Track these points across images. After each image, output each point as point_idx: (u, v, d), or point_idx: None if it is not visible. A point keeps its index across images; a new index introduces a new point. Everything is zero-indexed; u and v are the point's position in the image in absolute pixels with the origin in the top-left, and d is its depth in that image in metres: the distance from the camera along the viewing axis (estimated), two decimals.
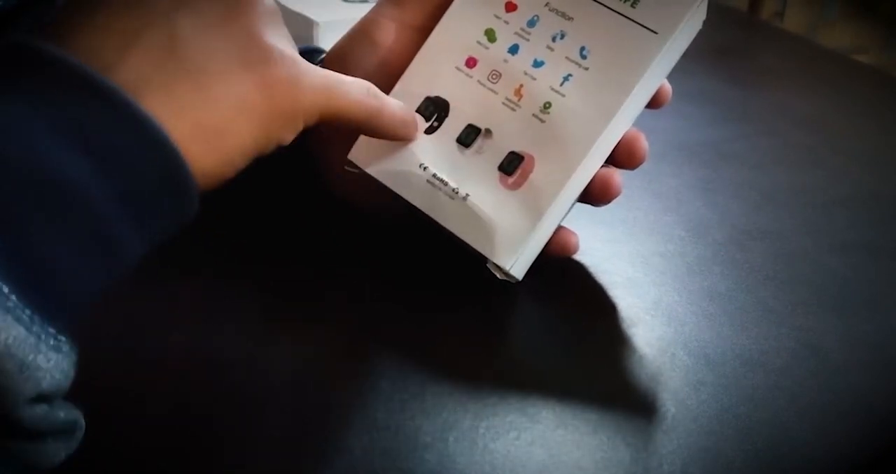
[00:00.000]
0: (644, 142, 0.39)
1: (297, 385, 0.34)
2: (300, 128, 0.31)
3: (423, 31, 0.40)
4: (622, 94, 0.37)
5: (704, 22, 0.38)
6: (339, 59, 0.41)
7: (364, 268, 0.42)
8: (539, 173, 0.38)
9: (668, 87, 0.40)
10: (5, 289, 0.23)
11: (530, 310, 0.40)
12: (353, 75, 0.36)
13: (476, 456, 0.31)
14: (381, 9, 0.41)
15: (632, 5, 0.38)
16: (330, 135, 0.40)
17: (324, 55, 0.44)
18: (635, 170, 0.40)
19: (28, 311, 0.23)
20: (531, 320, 0.39)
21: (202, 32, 0.28)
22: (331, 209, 0.44)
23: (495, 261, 0.38)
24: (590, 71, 0.38)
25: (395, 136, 0.38)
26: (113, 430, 0.32)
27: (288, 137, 0.31)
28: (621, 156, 0.39)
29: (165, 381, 0.34)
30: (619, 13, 0.38)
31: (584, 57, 0.38)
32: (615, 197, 0.39)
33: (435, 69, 0.40)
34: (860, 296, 0.41)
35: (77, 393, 0.25)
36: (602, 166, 0.39)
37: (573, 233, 0.41)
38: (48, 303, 0.24)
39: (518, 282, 0.39)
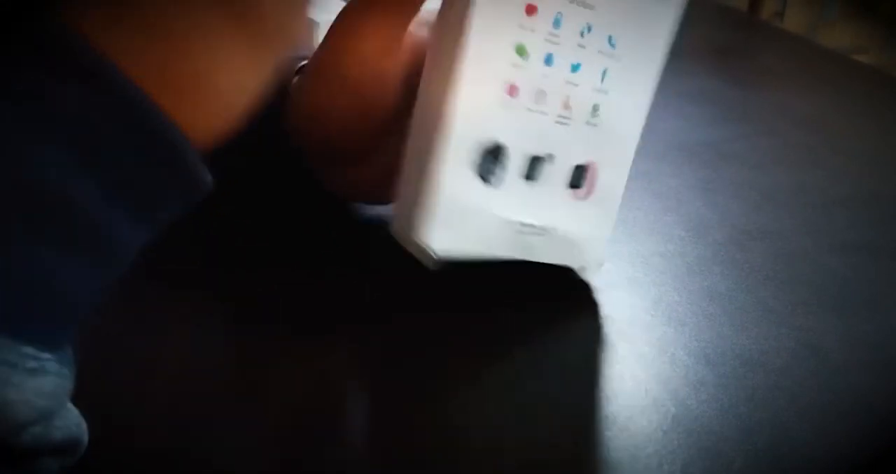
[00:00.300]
0: None
1: (298, 385, 0.35)
2: (291, 42, 0.27)
3: (389, 56, 0.37)
4: (653, 72, 0.38)
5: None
6: (310, 97, 0.39)
7: (363, 268, 0.42)
8: (604, 176, 0.38)
9: None
10: None
11: (530, 310, 0.40)
12: (327, 114, 0.38)
13: (476, 459, 0.31)
14: (337, 40, 0.37)
15: None
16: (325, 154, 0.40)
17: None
18: (635, 171, 0.40)
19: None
20: (531, 320, 0.39)
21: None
22: (329, 208, 0.44)
23: (588, 267, 0.40)
24: (622, 61, 0.37)
25: None
26: (108, 432, 0.32)
27: (283, 50, 0.27)
28: None
29: (163, 381, 0.34)
30: None
31: (612, 46, 0.37)
32: None
33: (478, 113, 0.34)
34: (860, 296, 0.41)
35: (75, 399, 0.25)
36: None
37: None
38: (28, 319, 0.22)
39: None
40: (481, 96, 0.34)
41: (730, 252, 0.44)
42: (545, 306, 0.40)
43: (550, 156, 0.37)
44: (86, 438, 0.25)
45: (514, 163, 0.36)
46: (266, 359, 0.36)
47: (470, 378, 0.36)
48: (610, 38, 0.36)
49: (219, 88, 0.25)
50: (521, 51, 0.34)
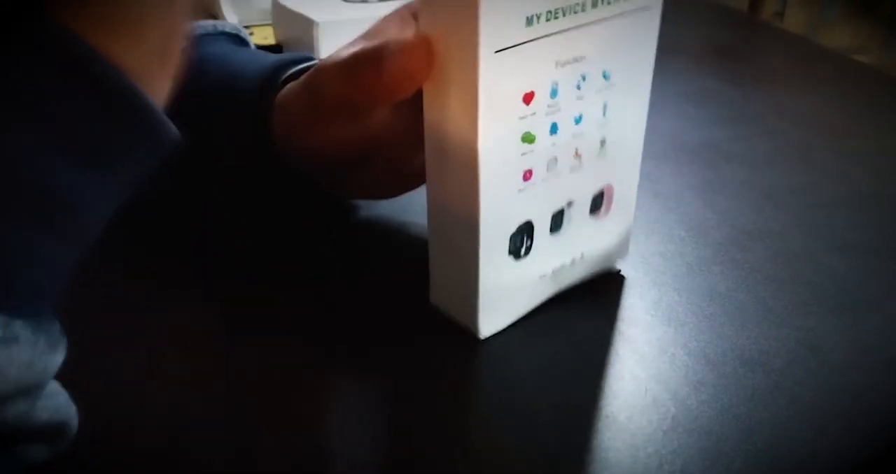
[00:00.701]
0: None
1: (298, 385, 0.35)
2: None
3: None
4: (647, 79, 0.38)
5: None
6: (321, 137, 0.39)
7: (363, 268, 0.42)
8: (619, 191, 0.39)
9: None
10: None
11: (530, 311, 0.40)
12: (337, 152, 0.38)
13: (476, 458, 0.31)
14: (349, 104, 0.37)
15: (608, 2, 0.34)
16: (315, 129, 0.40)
17: (314, 61, 0.43)
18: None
19: None
20: (530, 320, 0.39)
21: None
22: (327, 208, 0.44)
23: (616, 269, 0.42)
24: (618, 86, 0.36)
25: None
26: (108, 434, 0.32)
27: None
28: None
29: (161, 383, 0.34)
30: (614, 17, 0.34)
31: (607, 79, 0.36)
32: None
33: (502, 205, 0.35)
34: (860, 296, 0.41)
35: (75, 399, 0.25)
36: None
37: None
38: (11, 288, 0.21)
39: None
40: (502, 193, 0.34)
41: (730, 252, 0.44)
42: (545, 306, 0.40)
43: (570, 203, 0.38)
44: (75, 423, 0.24)
45: (540, 228, 0.37)
46: (266, 359, 0.36)
47: (469, 378, 0.36)
48: (604, 74, 0.36)
49: (151, 33, 0.24)
50: (527, 138, 0.34)
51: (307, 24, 0.63)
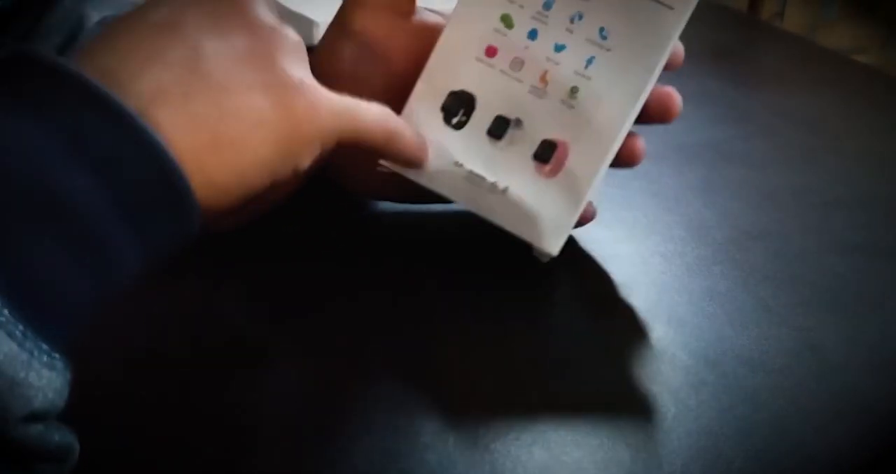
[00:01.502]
0: (676, 95, 0.39)
1: (298, 385, 0.35)
2: (317, 151, 0.31)
3: (401, 15, 0.39)
4: (647, 73, 0.37)
5: (706, 22, 0.38)
6: (324, 55, 0.40)
7: (367, 267, 0.42)
8: (574, 159, 0.38)
9: (680, 48, 0.39)
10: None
11: (530, 311, 0.40)
12: (337, 68, 0.38)
13: (476, 456, 0.31)
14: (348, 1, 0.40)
15: None
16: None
17: None
18: (635, 171, 0.40)
19: (21, 327, 0.23)
20: (530, 321, 0.39)
21: (226, 55, 0.29)
22: (338, 201, 0.44)
23: (542, 247, 0.39)
24: (612, 52, 0.38)
25: (410, 161, 0.38)
26: (114, 426, 0.32)
27: (305, 161, 0.31)
28: (656, 112, 0.39)
29: (166, 380, 0.34)
30: None
31: (604, 38, 0.38)
32: (641, 160, 0.40)
33: (455, 62, 0.39)
34: (860, 296, 0.41)
35: (78, 393, 0.25)
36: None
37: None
38: (42, 318, 0.24)
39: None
40: (460, 50, 0.39)
41: (730, 252, 0.44)
42: (545, 307, 0.40)
43: (518, 122, 0.39)
44: (77, 447, 0.25)
45: (480, 115, 0.39)
46: (267, 359, 0.36)
47: (469, 377, 0.36)
48: (602, 29, 0.38)
49: (241, 158, 0.28)
50: (507, 20, 0.39)
51: (307, 24, 0.63)
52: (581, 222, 0.41)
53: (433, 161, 0.39)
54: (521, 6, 0.38)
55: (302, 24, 0.64)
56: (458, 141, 0.39)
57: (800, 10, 1.66)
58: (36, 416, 0.23)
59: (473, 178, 0.39)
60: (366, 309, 0.39)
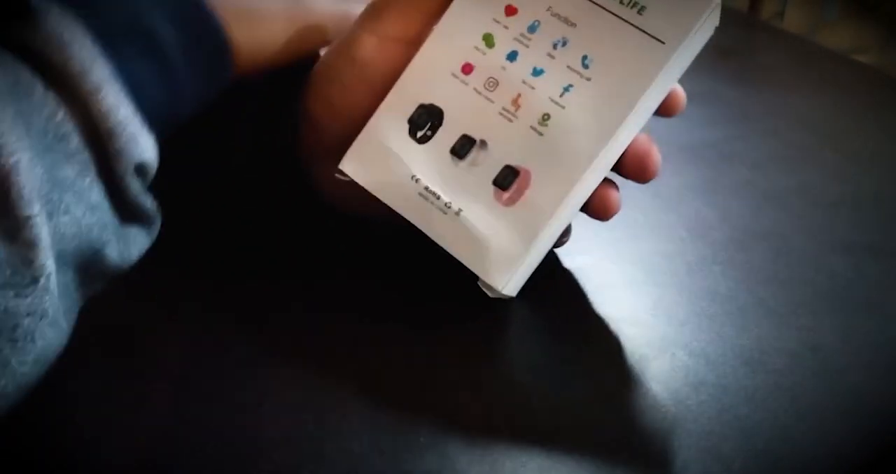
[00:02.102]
0: (656, 154, 0.37)
1: (298, 385, 0.35)
2: (325, 31, 0.40)
3: (408, 44, 0.39)
4: (625, 108, 0.35)
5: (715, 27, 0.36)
6: (323, 74, 0.40)
7: (362, 273, 0.42)
8: (535, 190, 0.36)
9: (681, 93, 0.38)
10: (118, 84, 0.30)
11: (530, 311, 0.40)
12: (337, 95, 0.40)
13: (476, 456, 0.31)
14: (360, 24, 0.39)
15: (638, 12, 0.35)
16: (322, 143, 0.40)
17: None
18: None
19: (131, 105, 0.31)
20: (531, 320, 0.39)
21: None
22: (324, 216, 0.44)
23: (488, 281, 0.37)
24: (592, 82, 0.36)
25: None
26: (111, 429, 0.32)
27: (318, 41, 0.40)
28: (632, 170, 0.38)
29: (164, 383, 0.34)
30: (624, 20, 0.35)
31: (585, 66, 0.36)
32: (614, 214, 0.38)
33: (430, 75, 0.38)
34: (860, 296, 0.41)
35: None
36: (607, 178, 0.38)
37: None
38: (140, 107, 0.31)
39: (512, 298, 0.38)
40: (437, 64, 0.38)
41: (730, 252, 0.44)
42: (545, 307, 0.40)
43: (484, 143, 0.37)
44: (160, 219, 0.33)
45: (446, 132, 0.38)
46: (267, 359, 0.36)
47: (469, 377, 0.36)
48: (585, 58, 0.36)
49: (259, 27, 0.37)
50: (488, 40, 0.37)
51: None
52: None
53: (391, 173, 0.38)
54: (506, 27, 0.37)
55: None
56: (419, 155, 0.38)
57: (800, 10, 1.66)
58: (142, 169, 0.31)
59: (428, 196, 0.37)
60: (366, 309, 0.39)
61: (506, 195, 0.36)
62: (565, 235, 0.41)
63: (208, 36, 0.35)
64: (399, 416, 0.33)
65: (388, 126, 0.38)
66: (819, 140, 0.58)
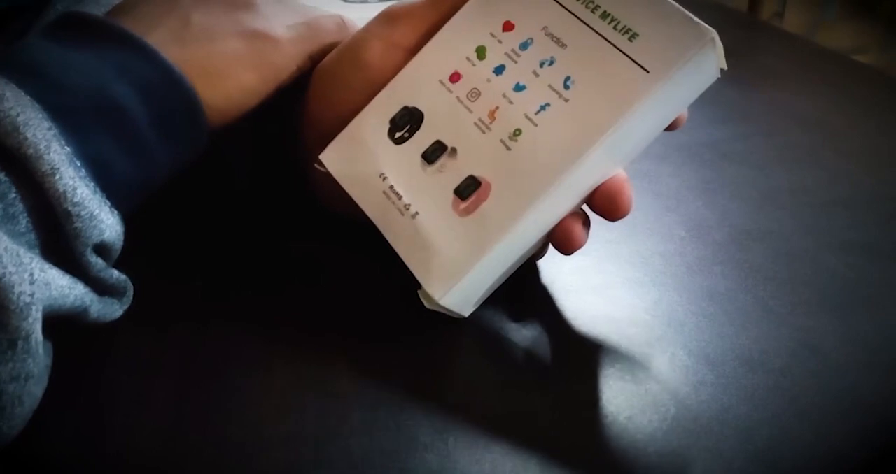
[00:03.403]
0: (628, 193, 0.36)
1: (298, 385, 0.35)
2: (294, 71, 0.40)
3: (411, 52, 0.39)
4: (597, 132, 0.34)
5: (704, 22, 0.35)
6: (327, 75, 0.41)
7: (362, 274, 0.42)
8: (492, 204, 0.35)
9: (683, 114, 0.37)
10: (78, 164, 0.31)
11: (530, 311, 0.40)
12: (338, 94, 0.41)
13: (476, 456, 0.31)
14: (371, 28, 0.40)
15: (630, 39, 0.34)
16: (320, 142, 0.40)
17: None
18: (636, 171, 0.40)
19: (93, 184, 0.32)
20: (531, 320, 0.39)
21: (209, 18, 0.38)
22: (323, 217, 0.44)
23: (426, 288, 0.36)
24: (569, 103, 0.35)
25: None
26: (111, 430, 0.32)
27: (285, 79, 0.40)
28: (601, 205, 0.36)
29: (165, 383, 0.34)
30: (614, 45, 0.35)
31: (566, 87, 0.35)
32: (576, 248, 0.37)
33: (419, 81, 0.39)
34: (860, 296, 0.41)
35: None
36: (576, 212, 0.37)
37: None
38: (106, 185, 0.32)
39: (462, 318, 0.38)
40: (428, 70, 0.39)
41: (730, 252, 0.44)
42: (545, 306, 0.40)
43: (454, 151, 0.37)
44: (132, 287, 0.35)
45: (422, 136, 0.38)
46: (266, 360, 0.36)
47: (470, 377, 0.36)
48: (567, 79, 0.35)
49: (228, 84, 0.37)
50: (480, 52, 0.38)
51: None
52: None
53: (362, 168, 0.38)
54: (500, 41, 0.38)
55: None
56: (392, 155, 0.38)
57: (800, 10, 1.66)
58: (103, 248, 0.32)
59: (391, 194, 0.37)
60: (366, 309, 0.39)
61: (462, 205, 0.36)
62: (542, 251, 0.41)
63: (179, 102, 0.35)
64: (399, 416, 0.33)
65: (371, 123, 0.39)
66: (819, 140, 0.58)
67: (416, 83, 0.39)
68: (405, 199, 0.37)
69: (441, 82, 0.38)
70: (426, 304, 0.36)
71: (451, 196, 0.36)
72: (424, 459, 0.31)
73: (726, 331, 0.38)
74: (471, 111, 0.37)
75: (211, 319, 0.38)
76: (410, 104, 0.38)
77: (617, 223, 0.39)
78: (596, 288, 0.41)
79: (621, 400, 0.34)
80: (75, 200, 0.30)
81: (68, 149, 0.31)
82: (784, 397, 0.34)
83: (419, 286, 0.36)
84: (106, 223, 0.32)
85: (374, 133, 0.39)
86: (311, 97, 0.41)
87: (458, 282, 0.35)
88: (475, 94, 0.37)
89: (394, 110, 0.39)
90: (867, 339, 0.38)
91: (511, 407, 0.34)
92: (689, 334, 0.38)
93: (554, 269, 0.42)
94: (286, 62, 0.40)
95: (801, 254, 0.44)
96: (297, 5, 0.42)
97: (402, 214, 0.37)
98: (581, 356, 0.37)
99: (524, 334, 0.38)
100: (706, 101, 0.38)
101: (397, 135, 0.38)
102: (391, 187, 0.38)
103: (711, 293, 0.41)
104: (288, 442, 0.31)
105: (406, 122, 0.38)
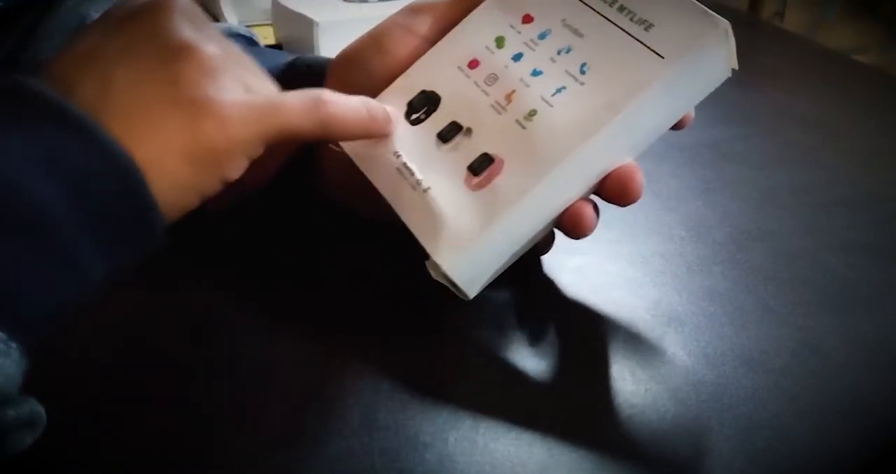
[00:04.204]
0: (639, 179, 0.36)
1: (298, 385, 0.35)
2: (243, 160, 0.31)
3: (432, 43, 0.41)
4: (610, 113, 0.35)
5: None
6: (347, 62, 0.42)
7: (362, 275, 0.42)
8: (504, 178, 0.36)
9: (690, 113, 0.38)
10: None
11: (530, 311, 0.40)
12: (358, 80, 0.40)
13: (476, 456, 0.31)
14: (396, 18, 0.42)
15: (645, 29, 0.36)
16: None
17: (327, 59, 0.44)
18: None
19: None
20: (531, 320, 0.39)
21: (135, 78, 0.30)
22: (327, 214, 0.44)
23: (434, 257, 0.36)
24: (584, 86, 0.36)
25: (364, 134, 0.37)
26: (112, 430, 0.32)
27: (232, 173, 0.31)
28: (611, 190, 0.36)
29: (165, 382, 0.34)
30: (630, 35, 0.36)
31: (583, 72, 0.37)
32: (586, 232, 0.36)
33: (438, 66, 0.40)
34: (860, 296, 0.41)
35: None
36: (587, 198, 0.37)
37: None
38: (8, 318, 0.25)
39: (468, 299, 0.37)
40: (447, 57, 0.40)
41: (730, 252, 0.44)
42: (545, 306, 0.40)
43: (469, 131, 0.38)
44: (39, 410, 0.26)
45: (438, 117, 0.39)
46: (267, 360, 0.36)
47: (470, 377, 0.36)
48: (583, 65, 0.37)
49: (155, 177, 0.29)
50: (499, 42, 0.40)
51: (307, 24, 0.63)
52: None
53: (376, 146, 0.39)
54: (519, 32, 0.39)
55: (302, 24, 0.64)
56: (408, 135, 0.39)
57: (800, 10, 1.66)
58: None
59: (404, 171, 0.38)
60: (366, 309, 0.39)
61: (475, 180, 0.37)
62: (548, 244, 0.41)
63: (124, 197, 0.28)
64: (399, 416, 0.33)
65: (388, 105, 0.40)
66: (819, 140, 0.58)
67: (435, 69, 0.40)
68: (417, 175, 0.38)
69: (459, 68, 0.40)
70: (433, 275, 0.36)
71: (465, 172, 0.37)
72: (424, 459, 0.31)
73: (726, 331, 0.38)
74: (487, 94, 0.39)
75: (210, 320, 0.38)
76: (428, 88, 0.40)
77: (617, 223, 0.39)
78: (596, 288, 0.41)
79: (621, 400, 0.34)
80: None
81: None
82: (784, 397, 0.34)
83: (427, 257, 0.36)
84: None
85: (393, 112, 0.40)
86: (331, 82, 0.41)
87: (466, 251, 0.35)
88: (493, 78, 0.39)
89: (412, 94, 0.40)
90: (867, 339, 0.38)
91: (511, 407, 0.34)
92: (689, 334, 0.38)
93: (554, 269, 0.42)
94: (232, 151, 0.31)
95: (801, 254, 0.44)
96: (256, 67, 0.34)
97: (414, 189, 0.37)
98: (581, 356, 0.37)
99: (524, 334, 0.38)
100: (706, 101, 0.38)
101: (413, 116, 0.39)
102: (404, 164, 0.38)
103: (711, 293, 0.41)
104: (288, 443, 0.31)
105: (423, 105, 0.40)
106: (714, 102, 0.38)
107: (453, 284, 0.36)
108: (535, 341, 0.38)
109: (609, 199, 0.37)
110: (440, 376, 0.35)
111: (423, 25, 0.41)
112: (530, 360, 0.37)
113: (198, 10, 0.33)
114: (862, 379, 0.35)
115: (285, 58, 0.45)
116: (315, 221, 0.45)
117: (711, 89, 0.37)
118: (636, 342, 0.37)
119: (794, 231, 0.46)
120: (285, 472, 0.30)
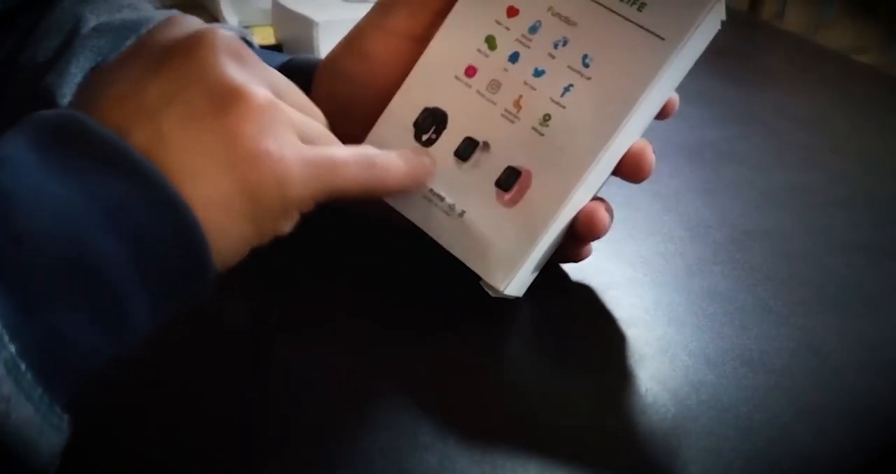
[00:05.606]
0: (651, 155, 0.37)
1: (298, 385, 0.35)
2: (296, 218, 0.31)
3: (415, 40, 0.39)
4: (626, 105, 0.35)
5: (722, 22, 0.36)
6: (330, 73, 0.40)
7: (370, 275, 0.42)
8: (537, 190, 0.36)
9: (674, 96, 0.38)
10: (23, 366, 0.23)
11: (529, 312, 0.40)
12: (344, 89, 0.39)
13: (476, 456, 0.31)
14: (369, 18, 0.39)
15: (638, 9, 0.35)
16: None
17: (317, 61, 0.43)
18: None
19: (39, 391, 0.24)
20: (531, 321, 0.39)
21: (187, 129, 0.28)
22: (338, 219, 0.44)
23: (489, 280, 0.37)
24: (592, 81, 0.36)
25: (404, 192, 0.37)
26: (115, 433, 0.32)
27: (284, 229, 0.31)
28: (627, 170, 0.37)
29: (169, 382, 0.34)
30: (624, 18, 0.35)
31: (586, 65, 0.36)
32: (602, 233, 0.37)
33: (434, 79, 0.38)
34: (860, 296, 0.41)
35: (75, 398, 0.25)
36: (605, 183, 0.38)
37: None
38: (59, 380, 0.24)
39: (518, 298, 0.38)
40: (441, 67, 0.38)
41: (730, 252, 0.44)
42: (545, 307, 0.40)
43: (486, 145, 0.37)
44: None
45: (450, 135, 0.38)
46: (268, 360, 0.36)
47: (470, 377, 0.36)
48: (585, 57, 0.36)
49: (215, 239, 0.28)
50: (490, 42, 0.38)
51: (307, 24, 0.63)
52: (571, 259, 0.40)
53: None
54: (507, 28, 0.37)
55: (302, 24, 0.64)
56: None
57: (800, 10, 1.66)
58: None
59: (432, 197, 0.37)
60: (366, 310, 0.39)
61: (507, 196, 0.37)
62: (587, 252, 0.41)
63: (184, 257, 0.27)
64: (399, 416, 0.33)
65: (393, 129, 0.38)
66: (819, 140, 0.58)
67: (431, 82, 0.38)
68: (448, 200, 0.37)
69: (457, 78, 0.38)
70: (491, 294, 0.37)
71: (493, 189, 0.37)
72: (424, 459, 0.31)
73: (726, 331, 0.38)
74: (494, 103, 0.37)
75: (210, 320, 0.38)
76: (430, 105, 0.38)
77: (617, 223, 0.39)
78: (596, 288, 0.41)
79: (621, 399, 0.34)
80: (6, 429, 0.23)
81: (12, 347, 0.23)
82: (784, 397, 0.34)
83: (478, 278, 0.37)
84: (42, 452, 0.24)
85: (398, 139, 0.38)
86: (318, 94, 0.40)
87: (519, 270, 0.36)
88: (495, 85, 0.37)
89: (415, 113, 0.38)
90: (867, 339, 0.38)
91: (510, 407, 0.34)
92: (689, 334, 0.38)
93: (554, 270, 0.42)
94: (288, 211, 0.31)
95: (801, 254, 0.44)
96: (303, 99, 0.33)
97: (448, 215, 0.37)
98: (581, 356, 0.37)
99: (523, 334, 0.38)
100: (706, 101, 0.38)
101: (424, 137, 0.38)
102: (431, 190, 0.38)
103: (711, 293, 0.41)
104: (288, 443, 0.31)
105: (430, 124, 0.38)
106: (714, 102, 0.38)
107: (505, 296, 0.37)
108: (534, 342, 0.38)
109: (624, 177, 0.38)
110: (440, 376, 0.35)
111: (399, 21, 0.39)
112: (530, 360, 0.37)
113: (240, 44, 0.31)
114: (862, 380, 0.35)
115: (280, 59, 0.44)
116: (315, 220, 0.45)
117: (706, 46, 0.37)
118: (636, 342, 0.37)
119: (794, 231, 0.46)
120: (285, 472, 0.30)
